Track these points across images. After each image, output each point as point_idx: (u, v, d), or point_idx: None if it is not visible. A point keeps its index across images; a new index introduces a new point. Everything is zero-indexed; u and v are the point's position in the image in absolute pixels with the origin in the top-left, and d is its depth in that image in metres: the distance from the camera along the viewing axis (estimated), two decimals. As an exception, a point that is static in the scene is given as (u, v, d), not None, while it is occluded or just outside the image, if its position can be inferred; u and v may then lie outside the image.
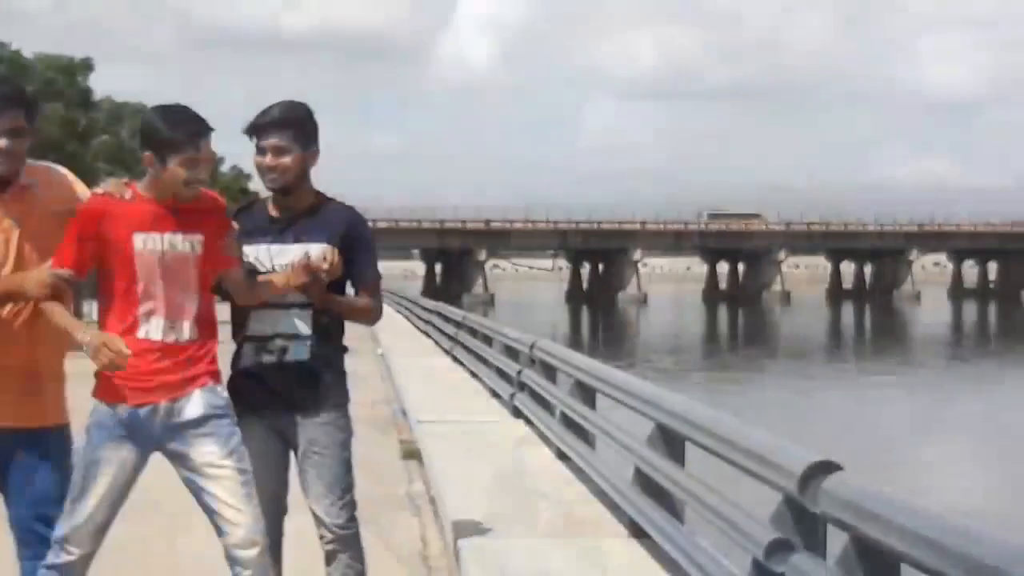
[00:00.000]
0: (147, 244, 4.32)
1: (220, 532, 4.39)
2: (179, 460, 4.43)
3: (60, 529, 4.34)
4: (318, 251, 4.66)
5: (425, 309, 29.82)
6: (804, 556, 4.22)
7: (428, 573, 6.91)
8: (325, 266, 4.63)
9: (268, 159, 4.71)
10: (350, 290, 4.94)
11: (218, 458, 4.37)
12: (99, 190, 4.40)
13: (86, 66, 32.89)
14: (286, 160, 4.72)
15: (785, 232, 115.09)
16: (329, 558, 4.89)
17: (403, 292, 47.27)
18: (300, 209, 4.82)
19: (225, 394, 4.48)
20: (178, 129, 4.29)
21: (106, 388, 4.35)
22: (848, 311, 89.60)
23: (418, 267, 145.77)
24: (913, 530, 3.51)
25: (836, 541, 4.10)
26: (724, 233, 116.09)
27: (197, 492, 4.44)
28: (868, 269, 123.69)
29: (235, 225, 4.62)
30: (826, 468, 4.16)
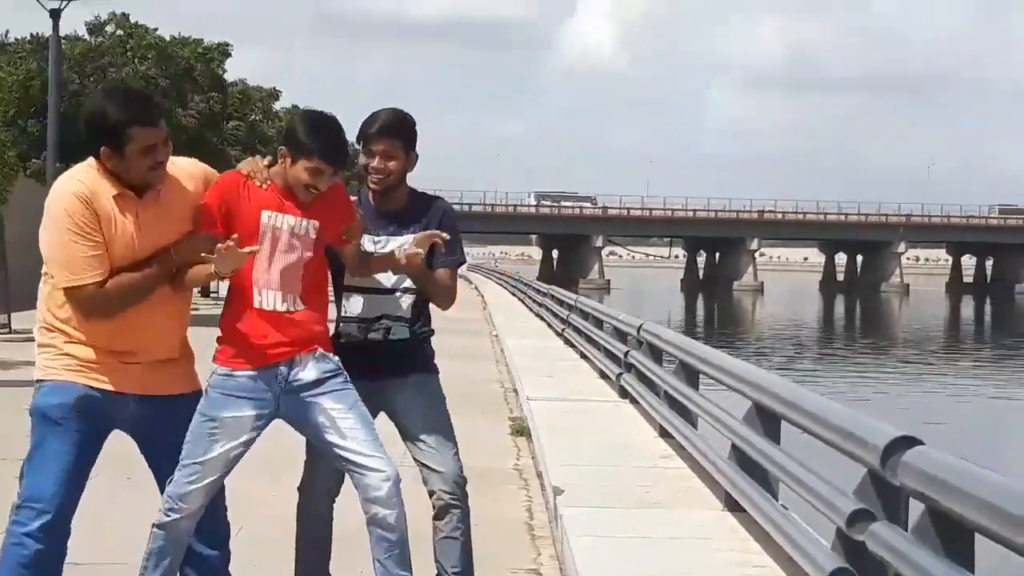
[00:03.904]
0: (271, 220, 4.67)
1: (353, 479, 4.72)
2: (300, 421, 4.75)
3: (174, 488, 4.61)
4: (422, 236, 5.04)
5: (539, 292, 30.13)
6: (883, 525, 4.43)
7: (532, 541, 7.20)
8: (445, 236, 5.04)
9: (376, 162, 5.08)
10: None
11: (336, 411, 4.68)
12: (243, 169, 4.75)
13: (223, 52, 33.35)
14: (392, 164, 5.10)
15: (905, 224, 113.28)
16: (442, 512, 5.18)
17: (519, 276, 47.54)
18: (399, 205, 5.22)
19: (336, 358, 4.79)
20: (314, 139, 4.64)
21: (224, 354, 4.69)
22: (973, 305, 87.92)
23: (535, 252, 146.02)
24: (987, 501, 3.64)
25: (917, 512, 4.30)
26: (842, 224, 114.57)
27: (322, 448, 4.78)
28: (989, 263, 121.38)
29: (360, 213, 5.00)
30: (908, 443, 4.36)
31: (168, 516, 4.62)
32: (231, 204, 4.66)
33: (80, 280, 4.45)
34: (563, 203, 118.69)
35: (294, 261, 4.71)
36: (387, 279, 5.18)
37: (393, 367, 5.19)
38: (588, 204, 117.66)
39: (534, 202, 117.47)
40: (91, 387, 4.55)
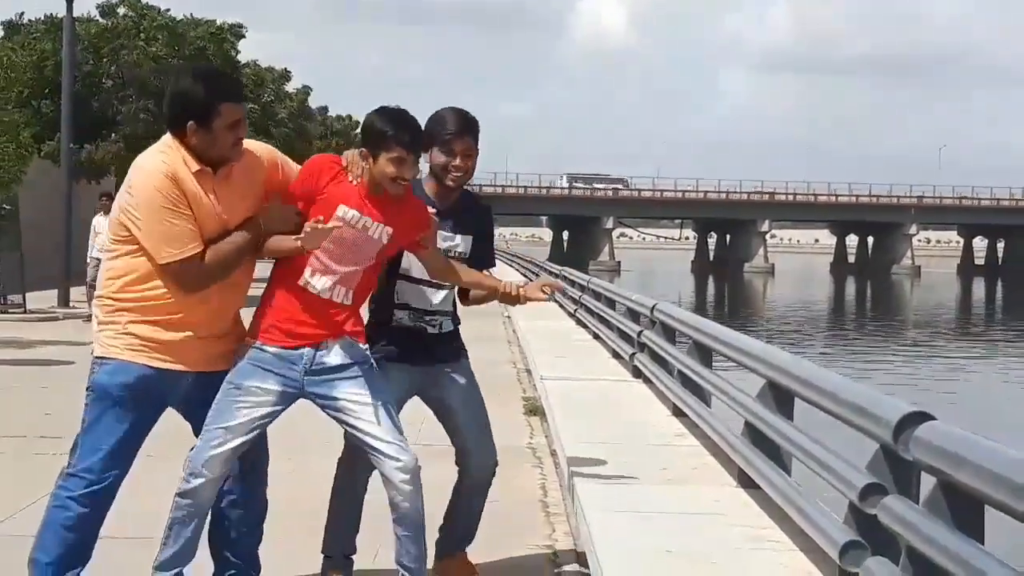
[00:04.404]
0: (346, 216, 4.81)
1: (374, 462, 4.88)
2: (324, 402, 4.88)
3: (196, 453, 4.74)
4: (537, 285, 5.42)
5: (551, 273, 30.18)
6: (895, 498, 4.51)
7: (547, 518, 7.30)
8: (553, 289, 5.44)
9: (459, 161, 5.31)
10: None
11: (360, 396, 4.83)
12: (344, 160, 4.91)
13: (236, 33, 33.24)
14: (471, 163, 5.37)
15: (917, 206, 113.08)
16: (470, 488, 5.61)
17: (530, 257, 47.59)
18: (454, 201, 5.46)
19: (364, 346, 4.94)
20: (393, 128, 4.80)
21: (258, 328, 4.83)
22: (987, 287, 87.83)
23: (545, 233, 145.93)
24: (997, 473, 3.71)
25: (928, 486, 4.38)
26: (854, 206, 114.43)
27: (346, 428, 4.94)
28: (1001, 245, 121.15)
29: (437, 222, 5.22)
30: (920, 418, 4.44)
31: (190, 482, 4.73)
32: (313, 189, 4.81)
33: (184, 253, 4.58)
34: (595, 184, 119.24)
35: (358, 260, 4.87)
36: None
37: (440, 355, 5.49)
38: (620, 186, 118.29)
39: (566, 184, 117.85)
40: (150, 366, 4.68)
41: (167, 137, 4.70)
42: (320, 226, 4.66)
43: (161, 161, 4.64)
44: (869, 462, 4.80)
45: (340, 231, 4.79)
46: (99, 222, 21.14)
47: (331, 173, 4.86)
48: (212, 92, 4.65)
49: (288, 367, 4.81)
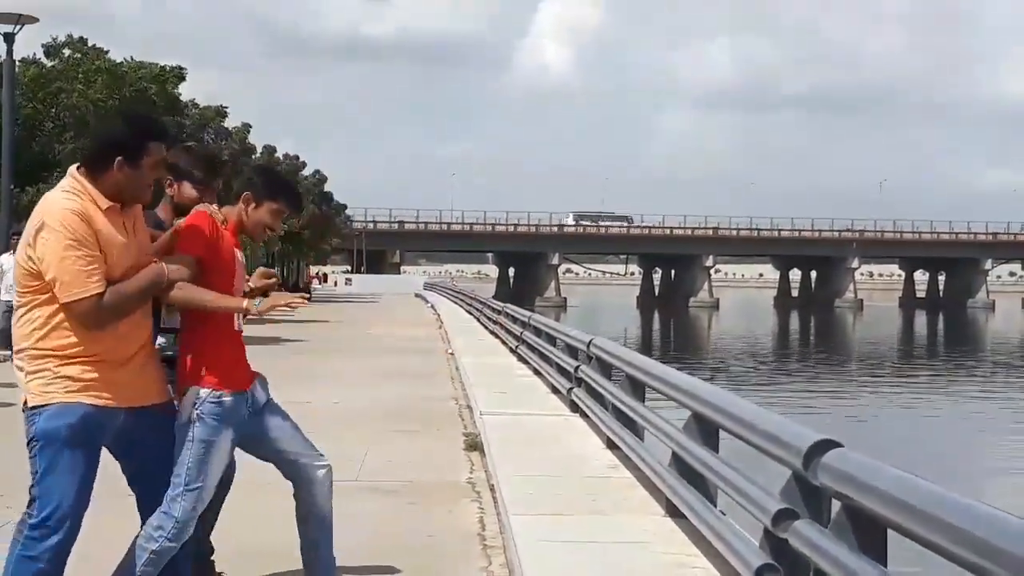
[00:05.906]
0: (238, 257, 5.11)
1: (300, 475, 5.20)
2: (255, 439, 5.15)
3: (181, 515, 4.84)
4: None
5: (494, 310, 30.31)
6: (805, 523, 4.72)
7: (484, 551, 7.43)
8: None
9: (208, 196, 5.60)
10: None
11: (283, 422, 5.23)
12: (205, 209, 5.11)
13: (178, 76, 33.20)
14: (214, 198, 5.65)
15: (859, 240, 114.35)
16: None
17: (474, 294, 47.67)
18: None
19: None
20: (287, 188, 5.21)
21: (211, 378, 4.95)
22: (924, 320, 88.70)
23: (491, 270, 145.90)
24: (897, 498, 3.88)
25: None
26: (797, 240, 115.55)
27: (273, 456, 5.21)
28: (942, 278, 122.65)
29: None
30: (827, 445, 4.64)
31: (172, 543, 4.85)
32: (215, 238, 5.01)
33: (84, 292, 4.59)
34: (600, 223, 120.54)
35: (241, 288, 5.18)
36: None
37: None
38: (625, 223, 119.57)
39: (572, 221, 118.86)
40: (89, 405, 4.69)
41: (71, 179, 4.74)
42: (293, 302, 5.02)
43: (69, 199, 4.66)
44: (782, 488, 5.00)
45: (238, 269, 5.09)
46: (7, 260, 20.81)
47: (214, 220, 5.06)
48: (143, 131, 4.77)
49: (241, 412, 5.03)
